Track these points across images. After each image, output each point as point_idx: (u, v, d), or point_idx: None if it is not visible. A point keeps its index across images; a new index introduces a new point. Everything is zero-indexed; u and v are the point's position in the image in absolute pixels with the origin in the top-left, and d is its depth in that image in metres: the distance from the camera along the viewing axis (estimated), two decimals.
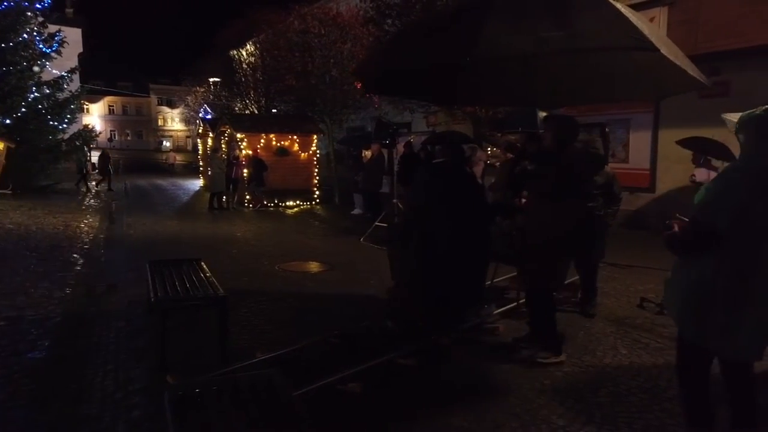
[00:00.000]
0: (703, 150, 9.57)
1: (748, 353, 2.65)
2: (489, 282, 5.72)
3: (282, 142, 16.17)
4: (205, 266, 5.22)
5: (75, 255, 8.42)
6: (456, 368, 4.24)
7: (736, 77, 10.00)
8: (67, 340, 4.80)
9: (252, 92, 22.37)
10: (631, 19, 3.04)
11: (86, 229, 11.12)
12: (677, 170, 10.67)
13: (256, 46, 22.12)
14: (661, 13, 10.43)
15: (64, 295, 6.18)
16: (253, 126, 16.61)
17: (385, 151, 13.62)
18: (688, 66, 3.54)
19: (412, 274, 4.70)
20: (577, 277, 5.78)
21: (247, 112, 22.69)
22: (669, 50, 3.24)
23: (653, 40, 2.96)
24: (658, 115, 11.49)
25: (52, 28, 18.33)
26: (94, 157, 22.41)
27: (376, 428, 3.36)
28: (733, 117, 5.91)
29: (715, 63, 10.02)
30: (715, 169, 9.60)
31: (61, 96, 18.03)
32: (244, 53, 23.98)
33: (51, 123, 17.66)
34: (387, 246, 5.28)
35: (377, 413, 3.51)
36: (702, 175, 9.70)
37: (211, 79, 26.66)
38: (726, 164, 8.95)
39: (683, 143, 10.60)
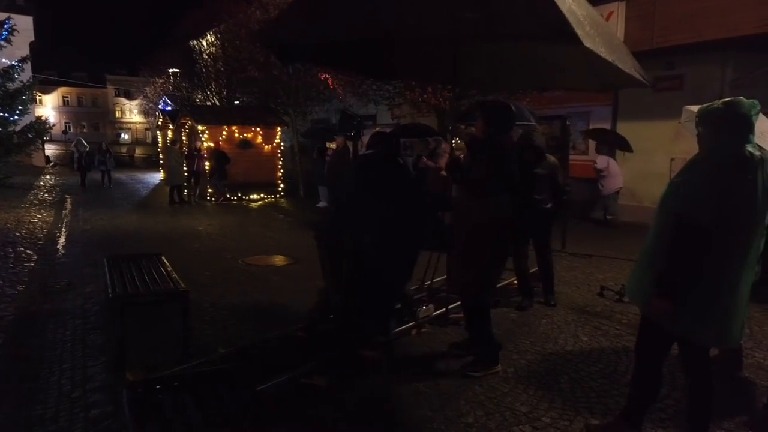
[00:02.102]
0: (604, 140, 10.81)
1: (721, 338, 2.74)
2: (429, 282, 5.72)
3: (245, 135, 15.91)
4: (165, 261, 5.10)
5: (28, 251, 8.13)
6: (420, 359, 4.26)
7: (690, 71, 10.34)
8: (21, 339, 4.64)
9: (213, 83, 21.92)
10: (562, 6, 2.57)
11: (40, 224, 10.75)
12: (635, 161, 10.99)
13: (216, 37, 21.65)
14: (618, 8, 10.70)
15: (17, 293, 5.97)
16: (215, 118, 16.26)
17: (350, 144, 13.55)
18: (627, 63, 3.30)
19: (345, 274, 4.31)
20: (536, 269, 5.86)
21: (208, 103, 22.23)
22: (603, 41, 2.91)
23: (583, 31, 2.53)
24: (617, 108, 11.80)
25: (1, 15, 17.55)
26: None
27: (340, 421, 3.35)
28: (694, 108, 6.10)
29: (670, 57, 10.35)
30: (613, 156, 10.80)
31: (11, 86, 17.26)
32: (204, 43, 23.42)
33: (1, 114, 16.96)
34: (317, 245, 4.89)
35: (341, 406, 3.50)
36: (602, 162, 10.57)
37: (171, 70, 26.01)
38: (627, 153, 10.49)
39: (588, 133, 11.64)
